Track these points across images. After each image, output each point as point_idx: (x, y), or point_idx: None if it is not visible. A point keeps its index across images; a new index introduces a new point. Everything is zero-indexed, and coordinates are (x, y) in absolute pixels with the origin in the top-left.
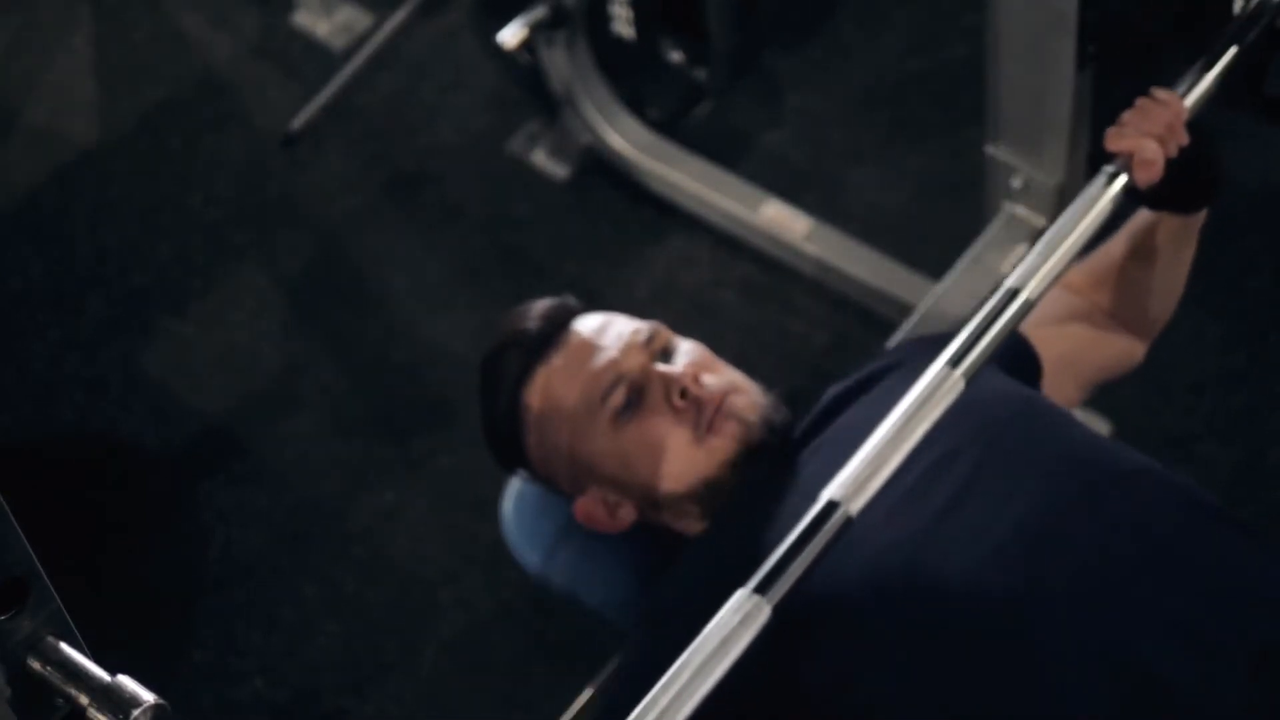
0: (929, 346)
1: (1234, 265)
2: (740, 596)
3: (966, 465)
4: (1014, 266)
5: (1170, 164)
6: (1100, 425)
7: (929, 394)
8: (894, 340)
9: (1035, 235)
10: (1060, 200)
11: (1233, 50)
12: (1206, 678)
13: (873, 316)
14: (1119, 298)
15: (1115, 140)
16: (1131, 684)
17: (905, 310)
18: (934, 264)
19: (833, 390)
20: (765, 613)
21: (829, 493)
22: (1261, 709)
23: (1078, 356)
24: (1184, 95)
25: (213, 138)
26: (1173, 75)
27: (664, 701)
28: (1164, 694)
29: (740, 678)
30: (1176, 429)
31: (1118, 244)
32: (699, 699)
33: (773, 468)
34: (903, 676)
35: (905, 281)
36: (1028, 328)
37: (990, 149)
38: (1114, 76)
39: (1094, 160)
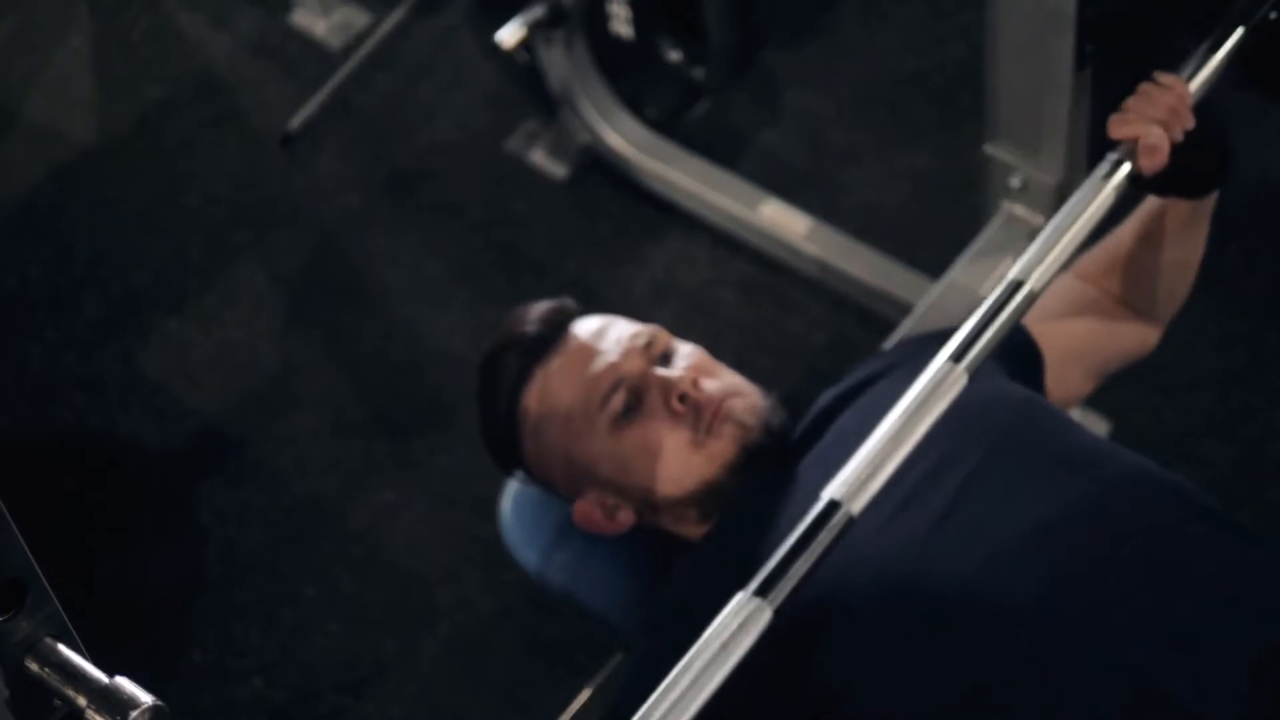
0: (926, 345)
1: (1234, 264)
2: (741, 599)
3: (965, 470)
4: (1014, 264)
5: (1176, 149)
6: (1100, 424)
7: (931, 390)
8: (892, 340)
9: (1034, 234)
10: (1059, 200)
11: (1239, 31)
12: (1206, 683)
13: (871, 316)
14: (1130, 284)
15: (1118, 127)
16: (1130, 691)
17: (904, 309)
18: (932, 263)
19: (828, 394)
20: (766, 616)
21: (830, 492)
22: (1262, 714)
23: (1087, 348)
24: (1189, 78)
25: (211, 137)
26: (1174, 71)
27: (664, 707)
28: (1163, 701)
29: (741, 685)
30: (1176, 427)
31: (1127, 230)
32: (700, 704)
33: (772, 472)
34: (902, 685)
35: (904, 280)
36: (1033, 322)
37: (989, 148)
38: (1113, 75)
39: (1095, 151)
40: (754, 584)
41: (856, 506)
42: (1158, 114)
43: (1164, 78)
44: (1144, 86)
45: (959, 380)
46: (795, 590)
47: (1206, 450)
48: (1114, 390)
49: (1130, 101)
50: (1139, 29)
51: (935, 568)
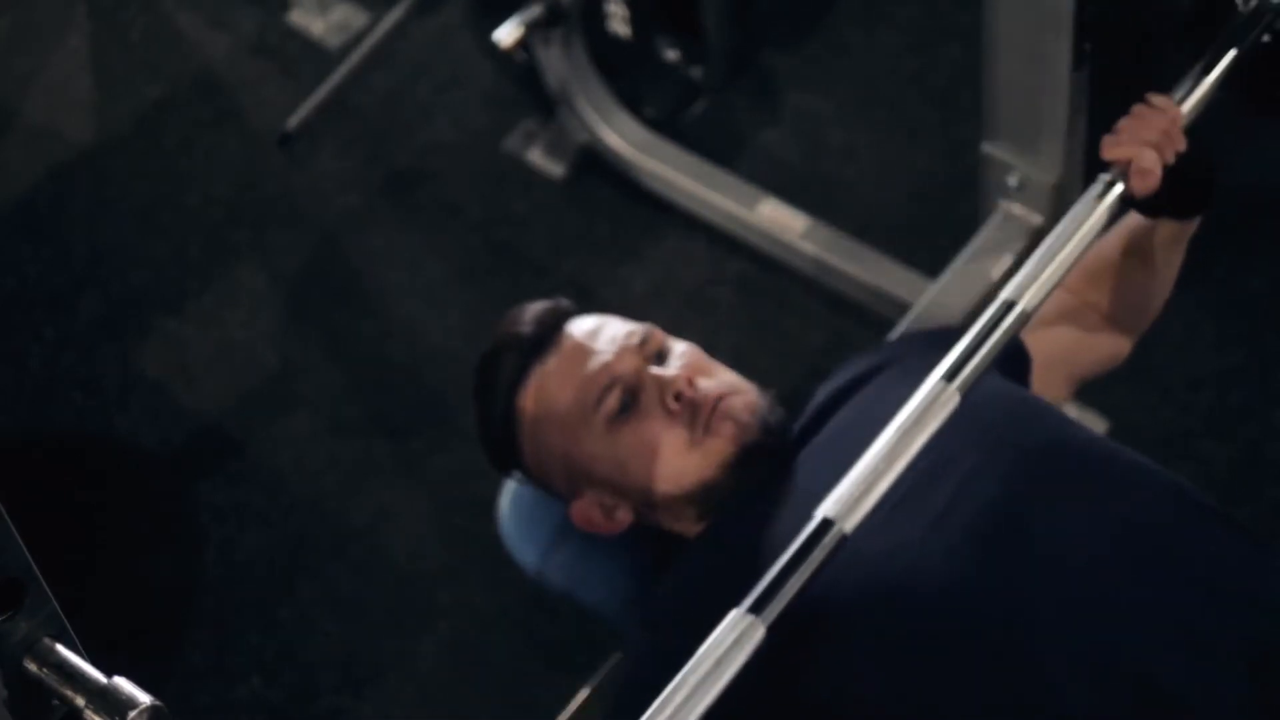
0: (922, 344)
1: (1233, 264)
2: (734, 616)
3: (962, 470)
4: (1010, 268)
5: (1168, 171)
6: (1097, 423)
7: (924, 409)
8: (892, 337)
9: (1032, 234)
10: (1057, 199)
11: (1231, 53)
12: (1205, 681)
13: (869, 315)
14: (1110, 297)
15: (1111, 149)
16: (1130, 689)
17: (902, 308)
18: (930, 262)
19: (825, 388)
20: (760, 633)
21: (823, 510)
22: (1261, 711)
23: (1068, 355)
24: (1181, 100)
25: (209, 137)
26: (1171, 73)
27: None
28: (1162, 699)
29: (736, 693)
30: (1174, 426)
31: (1111, 243)
32: None
33: (769, 469)
34: (900, 688)
35: (902, 280)
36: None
37: (987, 147)
38: (1111, 75)
39: (1092, 166)
40: (747, 601)
41: (850, 525)
42: (1150, 136)
43: (1157, 99)
44: (1137, 108)
45: (951, 400)
46: (788, 608)
47: (1206, 450)
48: (1113, 389)
49: (1123, 123)
50: (1137, 28)
51: (932, 568)
